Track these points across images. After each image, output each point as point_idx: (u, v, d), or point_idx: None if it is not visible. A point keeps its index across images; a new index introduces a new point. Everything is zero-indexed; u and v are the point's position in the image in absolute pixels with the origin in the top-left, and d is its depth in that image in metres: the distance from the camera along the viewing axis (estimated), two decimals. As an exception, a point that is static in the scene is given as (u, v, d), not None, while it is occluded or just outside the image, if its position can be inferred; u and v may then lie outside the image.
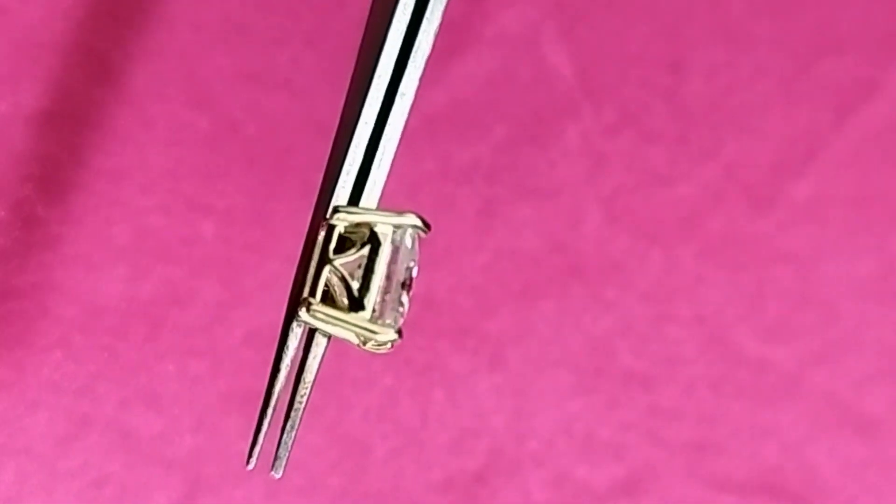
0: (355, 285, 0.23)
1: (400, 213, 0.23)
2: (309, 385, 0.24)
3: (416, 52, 0.24)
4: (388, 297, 0.23)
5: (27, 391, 0.30)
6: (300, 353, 0.24)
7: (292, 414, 0.24)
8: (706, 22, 0.31)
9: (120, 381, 0.30)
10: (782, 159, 0.31)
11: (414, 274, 0.23)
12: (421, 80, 0.24)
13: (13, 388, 0.30)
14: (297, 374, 0.24)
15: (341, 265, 0.23)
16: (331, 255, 0.23)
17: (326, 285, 0.23)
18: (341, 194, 0.24)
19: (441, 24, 0.24)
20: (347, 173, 0.24)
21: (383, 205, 0.24)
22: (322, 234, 0.23)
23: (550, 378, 0.31)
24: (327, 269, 0.23)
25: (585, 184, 0.31)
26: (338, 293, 0.23)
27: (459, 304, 0.31)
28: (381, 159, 0.24)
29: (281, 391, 0.24)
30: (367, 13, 0.30)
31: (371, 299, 0.23)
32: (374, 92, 0.24)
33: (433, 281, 0.31)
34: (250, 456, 0.24)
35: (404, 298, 0.23)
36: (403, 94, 0.24)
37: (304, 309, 0.23)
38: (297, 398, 0.23)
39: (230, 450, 0.30)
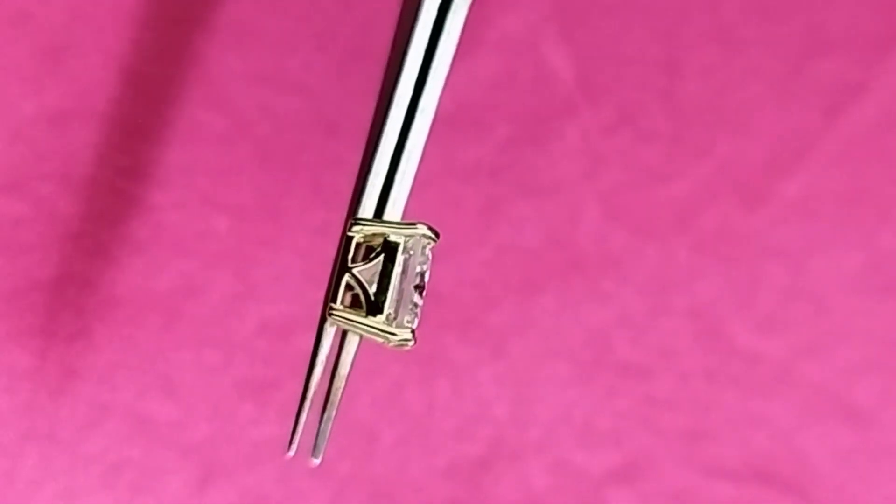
0: (373, 290, 0.24)
1: (412, 224, 0.24)
2: (343, 378, 0.25)
3: (435, 69, 0.25)
4: (402, 300, 0.24)
5: (49, 379, 0.31)
6: (335, 350, 0.25)
7: (328, 405, 0.25)
8: (700, 25, 0.32)
9: (138, 369, 0.31)
10: (774, 157, 0.32)
11: (426, 278, 0.25)
12: (441, 96, 0.25)
13: (36, 375, 0.31)
14: (332, 370, 0.25)
15: (359, 272, 0.24)
16: (349, 263, 0.24)
17: (355, 290, 0.24)
18: (368, 205, 0.25)
19: (460, 42, 0.25)
20: (373, 186, 0.25)
21: (408, 213, 0.25)
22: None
23: (550, 368, 0.32)
24: (346, 276, 0.24)
25: (584, 181, 0.32)
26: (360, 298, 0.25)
27: (463, 297, 0.32)
28: (403, 172, 0.25)
29: (318, 384, 0.25)
30: (375, 18, 0.31)
31: (387, 303, 0.24)
32: (396, 111, 0.25)
33: (438, 275, 0.31)
34: (291, 443, 0.25)
35: (418, 300, 0.24)
36: (423, 111, 0.25)
37: (327, 313, 0.24)
38: (333, 391, 0.25)
39: (244, 436, 0.31)
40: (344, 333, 0.25)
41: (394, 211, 0.25)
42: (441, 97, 0.25)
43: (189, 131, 0.31)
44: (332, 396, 0.25)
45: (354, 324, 0.24)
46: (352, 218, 0.25)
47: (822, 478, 0.32)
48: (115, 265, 0.31)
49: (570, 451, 0.31)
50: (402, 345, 0.24)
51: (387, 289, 0.24)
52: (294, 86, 0.31)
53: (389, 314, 0.24)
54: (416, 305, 0.24)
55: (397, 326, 0.24)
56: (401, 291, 0.24)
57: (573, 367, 0.31)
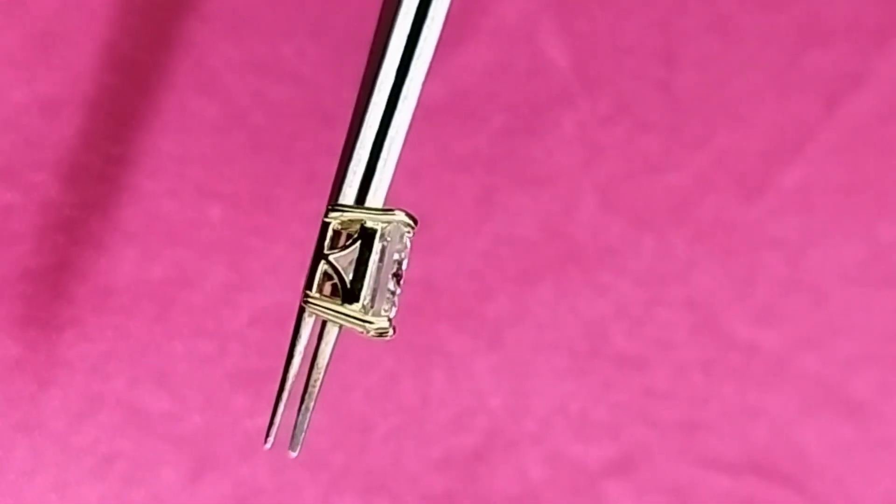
0: (349, 278, 0.24)
1: (390, 210, 0.24)
2: (322, 370, 0.25)
3: (417, 58, 0.25)
4: (379, 288, 0.24)
5: (41, 369, 0.31)
6: (314, 341, 0.25)
7: (306, 397, 0.25)
8: (698, 14, 0.32)
9: (130, 360, 0.31)
10: (772, 148, 0.32)
11: (404, 266, 0.24)
12: (424, 84, 0.25)
13: (27, 366, 0.31)
14: (311, 360, 0.25)
15: (336, 260, 0.24)
16: (326, 250, 0.24)
17: (333, 279, 0.24)
18: (349, 193, 0.25)
19: (443, 29, 0.25)
20: (354, 173, 0.25)
21: (391, 199, 0.25)
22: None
23: (546, 360, 0.32)
24: (323, 263, 0.24)
25: (581, 172, 0.32)
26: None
27: (459, 288, 0.32)
28: (385, 160, 0.25)
29: (296, 376, 0.25)
30: (369, 7, 0.31)
31: (363, 291, 0.24)
32: (378, 96, 0.25)
33: (434, 266, 0.32)
34: (268, 436, 0.25)
35: (395, 288, 0.24)
36: (406, 98, 0.25)
37: (303, 301, 0.24)
38: (311, 382, 0.25)
39: (237, 427, 0.31)
40: (323, 324, 0.25)
41: (375, 199, 0.25)
42: (424, 84, 0.25)
43: (182, 119, 0.31)
44: (310, 388, 0.25)
45: (331, 312, 0.24)
46: (329, 204, 0.24)
47: (819, 470, 0.32)
48: (107, 254, 0.31)
49: (566, 442, 0.31)
50: (380, 334, 0.24)
51: (363, 276, 0.24)
52: (288, 74, 0.31)
53: (366, 303, 0.24)
54: (392, 293, 0.24)
55: (374, 315, 0.24)
56: (378, 279, 0.24)
57: (569, 359, 0.31)
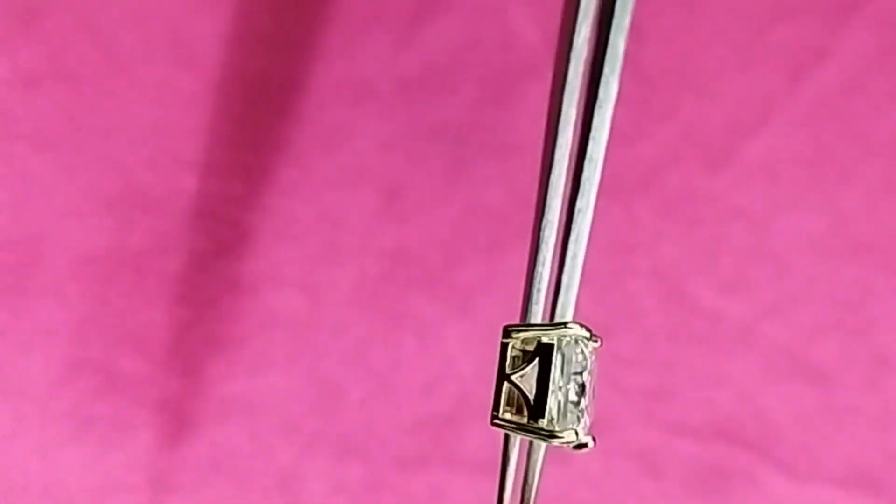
0: (532, 395, 0.24)
1: (563, 324, 0.24)
2: (533, 486, 0.25)
3: (587, 179, 0.25)
4: (563, 402, 0.24)
5: (22, 336, 0.31)
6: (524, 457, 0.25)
7: None
8: (664, -11, 0.32)
9: (109, 326, 0.31)
10: (737, 120, 0.32)
11: (586, 378, 0.24)
12: (599, 192, 0.25)
13: (8, 333, 0.31)
14: (524, 479, 0.25)
15: (518, 378, 0.24)
16: (507, 370, 0.25)
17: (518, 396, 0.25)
18: (535, 311, 0.25)
19: (610, 137, 0.25)
20: (538, 291, 0.25)
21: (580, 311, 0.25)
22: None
23: (516, 327, 0.32)
24: (506, 384, 0.25)
25: (550, 143, 0.32)
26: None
27: (430, 256, 0.32)
28: (569, 275, 0.25)
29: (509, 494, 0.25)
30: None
31: (547, 406, 0.24)
32: (550, 215, 0.26)
33: (405, 234, 0.32)
34: None
35: (582, 402, 0.24)
36: (581, 211, 0.25)
37: (492, 422, 0.25)
38: (525, 500, 0.25)
39: (213, 392, 0.32)
40: (531, 443, 0.25)
41: (563, 314, 0.25)
42: (598, 195, 0.25)
43: (160, 91, 0.31)
44: None
45: (519, 429, 0.24)
46: (505, 325, 0.25)
47: (783, 436, 0.32)
48: (85, 223, 0.31)
49: (534, 408, 0.32)
50: (577, 446, 0.24)
51: (546, 392, 0.24)
52: (263, 46, 0.32)
53: (552, 417, 0.24)
54: (576, 405, 0.24)
55: (561, 428, 0.24)
56: (561, 393, 0.24)
57: (538, 326, 0.32)
